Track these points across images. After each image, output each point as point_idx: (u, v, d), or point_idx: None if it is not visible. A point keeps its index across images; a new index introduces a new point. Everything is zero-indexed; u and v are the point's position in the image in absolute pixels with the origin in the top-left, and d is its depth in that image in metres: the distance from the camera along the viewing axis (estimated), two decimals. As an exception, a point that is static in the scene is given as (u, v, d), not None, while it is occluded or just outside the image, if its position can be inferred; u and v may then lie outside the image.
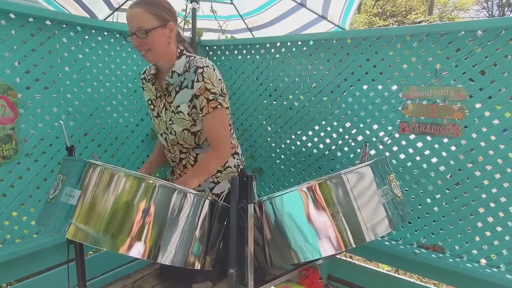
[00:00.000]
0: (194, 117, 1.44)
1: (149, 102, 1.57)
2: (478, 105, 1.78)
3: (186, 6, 3.06)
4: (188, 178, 1.38)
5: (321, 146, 2.35)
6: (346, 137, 2.23)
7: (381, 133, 2.09)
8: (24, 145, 1.89)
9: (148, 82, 1.57)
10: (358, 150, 2.18)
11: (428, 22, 16.46)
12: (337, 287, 2.39)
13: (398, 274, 2.48)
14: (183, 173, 1.61)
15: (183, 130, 1.48)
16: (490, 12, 18.99)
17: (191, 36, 2.68)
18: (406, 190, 2.04)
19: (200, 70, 1.38)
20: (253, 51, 2.54)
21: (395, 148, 2.06)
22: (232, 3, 3.60)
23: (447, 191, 1.91)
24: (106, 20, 3.39)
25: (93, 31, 2.13)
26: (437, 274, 2.01)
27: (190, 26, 2.72)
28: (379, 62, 2.04)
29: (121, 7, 3.42)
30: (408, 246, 2.04)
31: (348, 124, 2.20)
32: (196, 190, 1.65)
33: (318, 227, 1.11)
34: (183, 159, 1.58)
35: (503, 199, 1.76)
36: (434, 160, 1.93)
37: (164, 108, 1.50)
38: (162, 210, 1.07)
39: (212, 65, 1.45)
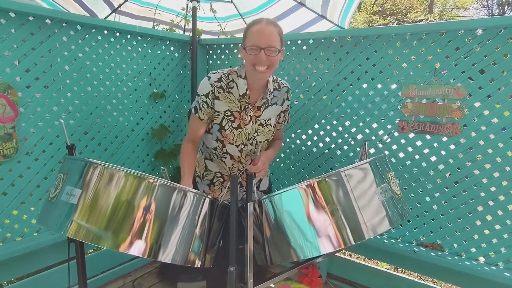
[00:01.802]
0: (275, 129, 1.69)
1: (228, 113, 1.55)
2: (477, 104, 1.79)
3: (187, 5, 3.06)
4: (271, 153, 1.66)
5: (320, 144, 2.35)
6: (346, 135, 2.23)
7: (381, 132, 2.09)
8: (25, 143, 1.89)
9: (226, 92, 1.55)
10: (358, 149, 2.19)
11: (428, 20, 16.43)
12: (336, 285, 2.40)
13: (397, 272, 2.49)
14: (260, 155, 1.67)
15: (264, 141, 1.64)
16: (490, 11, 18.97)
17: (191, 35, 2.68)
18: (405, 188, 2.05)
19: (289, 91, 1.71)
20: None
21: (394, 147, 2.06)
22: (232, 2, 3.60)
23: (446, 190, 1.92)
24: (106, 19, 3.39)
25: (93, 30, 2.13)
26: (436, 272, 2.02)
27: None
28: (378, 61, 2.04)
29: (121, 7, 3.42)
30: (407, 244, 2.05)
31: (347, 123, 2.21)
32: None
33: (317, 225, 1.12)
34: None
35: (501, 198, 1.77)
36: (433, 158, 1.94)
37: (250, 121, 1.58)
38: (163, 209, 1.08)
39: None
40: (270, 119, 1.62)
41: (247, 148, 1.62)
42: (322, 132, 2.33)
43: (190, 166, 1.57)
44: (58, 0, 3.08)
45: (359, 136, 2.18)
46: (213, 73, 1.57)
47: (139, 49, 2.41)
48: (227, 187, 1.62)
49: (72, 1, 3.10)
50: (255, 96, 1.58)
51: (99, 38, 2.17)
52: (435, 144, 1.92)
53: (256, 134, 1.60)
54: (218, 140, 1.61)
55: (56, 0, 3.07)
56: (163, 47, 2.58)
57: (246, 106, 1.57)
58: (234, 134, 1.58)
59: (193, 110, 1.59)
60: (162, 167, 1.69)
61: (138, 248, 1.04)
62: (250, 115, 1.57)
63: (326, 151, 2.33)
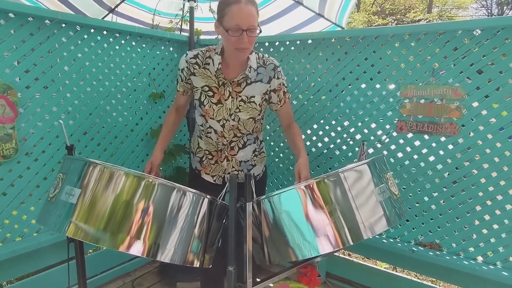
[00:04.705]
0: (262, 108, 1.65)
1: (206, 88, 1.60)
2: (475, 104, 1.79)
3: (184, 5, 3.06)
4: (303, 148, 1.65)
5: (319, 144, 2.36)
6: (344, 135, 2.24)
7: (379, 132, 2.10)
8: (24, 144, 1.90)
9: (202, 68, 1.59)
10: (356, 149, 2.19)
11: (427, 20, 16.44)
12: (335, 285, 2.41)
13: (396, 271, 2.50)
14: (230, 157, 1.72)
15: (249, 118, 1.63)
16: (489, 10, 18.99)
17: (189, 35, 2.68)
18: (403, 188, 2.05)
19: (278, 69, 1.62)
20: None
21: (393, 147, 2.07)
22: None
23: (444, 189, 1.93)
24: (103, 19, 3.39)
25: (92, 30, 2.14)
26: (434, 271, 2.03)
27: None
28: (377, 61, 2.05)
29: (118, 8, 3.41)
30: (406, 244, 2.06)
31: (346, 123, 2.21)
32: (236, 170, 1.73)
33: (316, 225, 1.12)
34: (234, 142, 1.69)
35: (499, 197, 1.78)
36: (431, 158, 1.95)
37: (230, 96, 1.59)
38: (162, 209, 1.08)
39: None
40: (254, 96, 1.60)
41: (229, 123, 1.62)
42: (320, 132, 2.34)
43: (167, 136, 1.77)
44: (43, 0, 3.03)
45: (358, 136, 2.19)
46: (191, 50, 1.63)
47: (138, 50, 2.41)
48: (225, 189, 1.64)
49: (62, 5, 3.06)
50: (233, 72, 1.58)
51: (99, 38, 2.18)
52: (434, 144, 1.92)
53: (238, 110, 1.60)
54: (201, 115, 1.66)
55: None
56: (162, 47, 2.58)
57: (224, 82, 1.57)
58: (213, 110, 1.60)
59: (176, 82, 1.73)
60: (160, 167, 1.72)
61: (137, 248, 1.05)
62: (229, 90, 1.58)
63: (325, 151, 2.34)
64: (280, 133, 2.51)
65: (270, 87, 1.62)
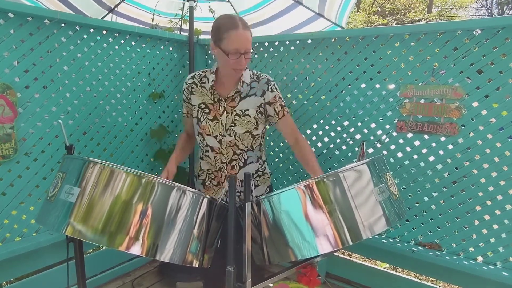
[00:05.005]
0: (258, 121, 1.66)
1: (202, 105, 1.66)
2: (475, 104, 1.79)
3: (183, 5, 3.06)
4: (317, 166, 1.60)
5: (319, 144, 2.36)
6: (344, 135, 2.24)
7: (379, 132, 2.10)
8: (24, 144, 1.90)
9: (199, 87, 1.68)
10: (356, 149, 2.19)
11: (427, 20, 16.44)
12: (335, 285, 2.41)
13: (396, 271, 2.49)
14: (230, 173, 1.71)
15: (245, 132, 1.64)
16: (489, 10, 18.99)
17: (188, 34, 2.68)
18: (403, 188, 2.05)
19: (272, 83, 1.67)
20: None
21: (392, 147, 2.07)
22: (229, 1, 3.60)
23: (444, 189, 1.93)
24: (103, 19, 3.38)
25: (92, 30, 2.13)
26: (434, 271, 2.03)
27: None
28: (377, 61, 2.05)
29: (117, 8, 3.41)
30: (405, 244, 2.06)
31: (346, 123, 2.21)
32: (238, 191, 1.70)
33: (315, 225, 1.12)
34: (234, 160, 1.69)
35: (499, 197, 1.78)
36: (431, 158, 1.95)
37: (224, 112, 1.63)
38: (161, 208, 1.08)
39: None
40: (248, 109, 1.64)
41: (225, 139, 1.65)
42: (320, 132, 2.33)
43: (180, 153, 1.73)
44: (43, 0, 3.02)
45: (358, 136, 2.18)
46: (190, 74, 1.73)
47: (138, 49, 2.41)
48: (224, 190, 1.63)
49: (62, 5, 3.05)
50: (227, 88, 1.65)
51: (98, 38, 2.17)
52: (433, 144, 1.92)
53: (233, 124, 1.64)
54: (199, 133, 1.69)
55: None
56: (162, 47, 2.58)
57: (219, 98, 1.64)
58: (210, 126, 1.65)
59: None
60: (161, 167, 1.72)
61: (136, 247, 1.04)
62: (224, 106, 1.63)
63: (325, 151, 2.34)
64: (279, 132, 2.50)
65: (264, 99, 1.66)
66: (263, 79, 1.68)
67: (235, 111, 1.64)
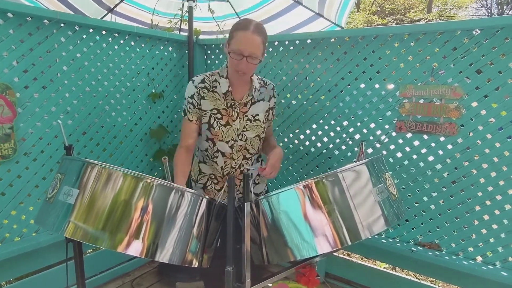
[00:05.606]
0: (266, 125, 1.72)
1: (215, 111, 1.62)
2: (474, 104, 1.79)
3: (183, 5, 3.06)
4: (279, 153, 1.61)
5: (318, 144, 2.36)
6: (344, 135, 2.24)
7: (378, 132, 2.10)
8: (23, 144, 1.90)
9: (211, 92, 1.63)
10: (356, 149, 2.19)
11: (427, 20, 16.43)
12: (335, 285, 2.41)
13: (396, 271, 2.50)
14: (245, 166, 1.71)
15: (255, 136, 1.67)
16: (489, 10, 18.98)
17: (188, 34, 2.68)
18: (403, 188, 2.05)
19: (275, 89, 1.75)
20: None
21: (392, 147, 2.07)
22: (228, 1, 3.60)
23: (444, 189, 1.93)
24: (103, 19, 3.38)
25: (91, 30, 2.13)
26: (434, 271, 2.03)
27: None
28: (376, 61, 2.05)
29: (117, 8, 3.41)
30: (405, 244, 2.06)
31: (345, 123, 2.21)
32: (240, 193, 1.69)
33: (314, 225, 1.12)
34: (243, 165, 1.70)
35: (499, 197, 1.78)
36: (430, 158, 1.95)
37: (238, 117, 1.63)
38: (160, 209, 1.08)
39: None
40: (258, 114, 1.67)
41: (237, 143, 1.66)
42: (320, 132, 2.33)
43: (183, 176, 1.55)
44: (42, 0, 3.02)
45: (357, 136, 2.18)
46: (196, 76, 1.66)
47: (137, 49, 2.41)
48: (222, 190, 1.62)
49: (61, 5, 3.05)
50: (240, 93, 1.64)
51: (97, 38, 2.17)
52: (433, 144, 1.92)
53: (245, 129, 1.65)
54: (209, 139, 1.65)
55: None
56: (162, 47, 2.58)
57: (232, 103, 1.62)
58: (223, 131, 1.63)
59: (183, 114, 1.66)
60: (163, 157, 1.71)
61: (135, 248, 1.04)
62: (237, 112, 1.63)
63: (324, 151, 2.34)
64: (279, 133, 2.51)
65: (270, 105, 1.72)
66: (269, 84, 1.73)
67: (246, 116, 1.65)
